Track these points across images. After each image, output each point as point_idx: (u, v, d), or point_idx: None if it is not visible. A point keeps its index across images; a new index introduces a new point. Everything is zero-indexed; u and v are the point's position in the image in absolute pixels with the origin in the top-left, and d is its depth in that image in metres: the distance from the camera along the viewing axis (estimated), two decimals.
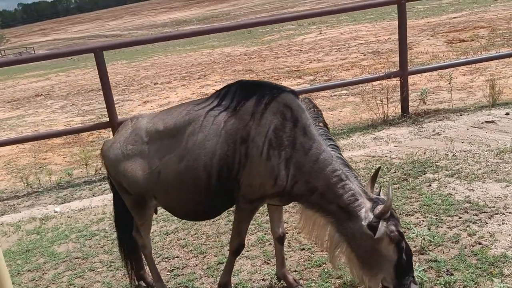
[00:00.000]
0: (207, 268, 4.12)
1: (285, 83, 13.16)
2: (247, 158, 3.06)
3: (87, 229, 5.28)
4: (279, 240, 3.57)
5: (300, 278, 3.72)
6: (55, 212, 5.91)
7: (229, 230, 4.73)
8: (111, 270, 4.35)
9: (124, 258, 3.86)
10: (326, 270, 3.77)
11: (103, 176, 6.92)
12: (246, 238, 4.41)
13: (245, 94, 3.17)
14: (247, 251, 4.28)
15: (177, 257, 4.39)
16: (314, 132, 3.07)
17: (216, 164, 3.12)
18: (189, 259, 4.33)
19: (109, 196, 6.15)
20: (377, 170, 3.26)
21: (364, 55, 16.39)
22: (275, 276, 3.76)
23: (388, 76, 7.30)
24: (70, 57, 37.43)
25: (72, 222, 5.54)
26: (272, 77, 14.87)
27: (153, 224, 4.89)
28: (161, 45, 35.81)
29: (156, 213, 3.73)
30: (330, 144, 3.09)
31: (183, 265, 4.22)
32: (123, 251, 3.84)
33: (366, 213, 2.97)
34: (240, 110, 3.13)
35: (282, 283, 3.69)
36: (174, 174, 3.22)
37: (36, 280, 4.35)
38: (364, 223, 2.95)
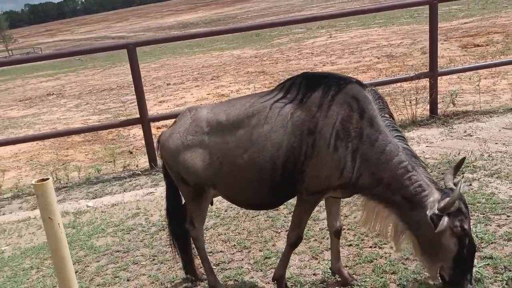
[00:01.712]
0: (254, 262, 4.10)
1: None
2: (314, 149, 3.06)
3: (123, 224, 5.26)
4: (336, 233, 3.56)
5: (353, 274, 3.70)
6: (88, 206, 5.90)
7: (270, 226, 4.72)
8: (155, 264, 4.33)
9: (178, 251, 3.84)
10: (379, 265, 3.75)
11: (132, 172, 6.91)
12: None
13: (311, 86, 3.17)
14: None
15: (221, 251, 4.37)
16: (381, 123, 3.07)
17: (283, 155, 3.11)
18: (233, 253, 4.31)
19: (141, 192, 6.15)
20: (462, 160, 3.30)
21: (378, 58, 16.40)
22: (327, 271, 3.73)
23: (418, 77, 7.30)
24: (78, 58, 37.53)
25: (106, 216, 5.52)
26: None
27: None
28: (169, 47, 35.90)
29: (212, 205, 3.72)
30: (397, 135, 3.09)
31: (228, 260, 4.20)
32: (176, 243, 3.82)
33: (433, 203, 3.00)
34: (307, 102, 3.13)
35: (335, 279, 3.67)
36: (237, 165, 3.21)
37: (80, 273, 4.33)
38: (429, 213, 2.96)
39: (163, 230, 4.96)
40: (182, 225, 3.73)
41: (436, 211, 2.95)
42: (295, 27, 32.90)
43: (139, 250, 4.64)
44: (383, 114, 3.12)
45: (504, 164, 5.33)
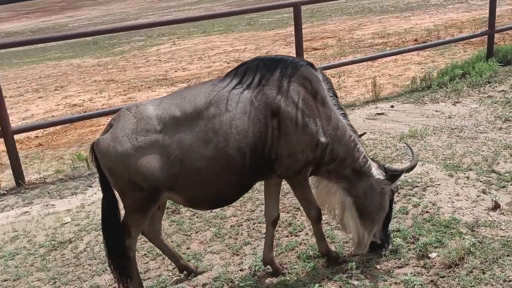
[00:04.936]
0: (173, 268, 3.89)
1: (159, 90, 12.94)
2: (280, 130, 3.13)
3: (2, 249, 4.60)
4: (274, 223, 3.61)
5: (280, 263, 3.74)
6: None
7: (177, 230, 4.55)
8: (58, 287, 3.87)
9: (116, 270, 3.43)
10: (301, 252, 3.85)
11: None
12: (201, 236, 4.32)
13: (267, 70, 3.22)
14: (209, 246, 4.16)
15: None
16: (330, 102, 3.31)
17: (251, 142, 3.11)
18: (147, 262, 4.08)
19: (13, 212, 5.45)
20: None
21: (228, 63, 16.82)
22: (254, 265, 3.70)
23: None
24: None
25: None
26: (141, 85, 14.48)
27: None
28: None
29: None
30: (342, 113, 3.38)
31: (144, 269, 3.95)
32: (115, 262, 3.41)
33: (377, 170, 3.39)
34: (266, 85, 3.18)
35: (264, 271, 3.67)
36: (202, 159, 3.08)
37: None
38: (380, 177, 3.34)
39: (55, 250, 4.47)
40: (122, 241, 3.34)
41: (384, 175, 3.39)
42: (135, 35, 32.13)
43: (32, 275, 4.11)
44: (331, 94, 3.34)
45: (378, 149, 5.88)
